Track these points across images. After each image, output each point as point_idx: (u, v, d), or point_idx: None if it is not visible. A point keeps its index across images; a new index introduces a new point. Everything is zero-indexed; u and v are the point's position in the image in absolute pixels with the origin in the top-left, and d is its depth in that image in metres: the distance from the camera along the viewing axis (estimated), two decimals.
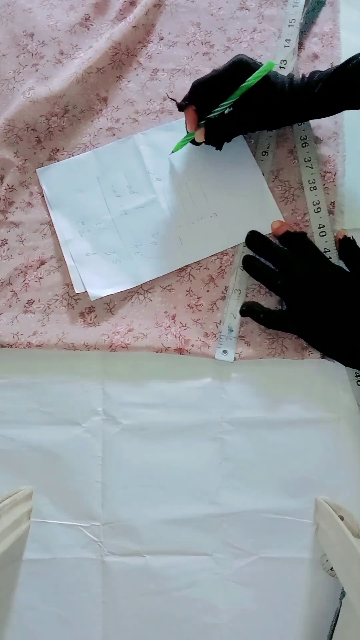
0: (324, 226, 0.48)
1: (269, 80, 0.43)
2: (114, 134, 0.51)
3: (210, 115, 0.44)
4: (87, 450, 0.46)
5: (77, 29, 0.55)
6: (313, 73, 0.44)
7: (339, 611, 0.41)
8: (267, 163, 0.50)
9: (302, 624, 0.43)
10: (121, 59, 0.53)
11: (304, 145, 0.49)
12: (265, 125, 0.47)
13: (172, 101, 0.49)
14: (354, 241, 0.46)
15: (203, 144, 0.48)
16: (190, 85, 0.45)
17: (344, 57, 0.52)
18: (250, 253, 0.48)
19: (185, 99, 0.45)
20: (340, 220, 0.48)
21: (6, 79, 0.54)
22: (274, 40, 0.53)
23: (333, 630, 0.41)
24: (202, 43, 0.54)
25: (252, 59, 0.44)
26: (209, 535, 0.45)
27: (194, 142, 0.48)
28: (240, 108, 0.44)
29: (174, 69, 0.53)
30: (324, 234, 0.48)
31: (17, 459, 0.46)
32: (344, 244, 0.46)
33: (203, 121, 0.45)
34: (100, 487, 0.45)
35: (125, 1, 0.55)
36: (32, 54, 0.54)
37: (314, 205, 0.48)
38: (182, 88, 0.52)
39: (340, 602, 0.42)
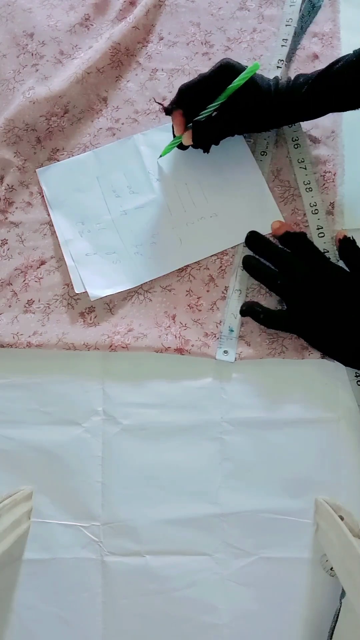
0: (322, 227, 0.48)
1: (255, 82, 0.43)
2: (114, 134, 0.51)
3: (197, 118, 0.45)
4: (87, 450, 0.46)
5: (77, 28, 0.55)
6: (298, 76, 0.44)
7: (339, 611, 0.41)
8: (266, 163, 0.50)
9: (302, 624, 0.43)
10: (121, 58, 0.53)
11: (295, 146, 0.49)
12: (251, 127, 0.47)
13: (159, 105, 0.49)
14: (353, 241, 0.46)
15: (190, 147, 0.48)
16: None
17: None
18: (250, 253, 0.48)
19: (172, 103, 0.46)
20: (340, 221, 0.48)
21: (6, 78, 0.54)
22: (274, 40, 0.53)
23: (333, 630, 0.41)
24: (202, 43, 0.54)
25: (237, 62, 0.44)
26: (209, 535, 0.45)
27: (181, 146, 0.48)
28: (226, 110, 0.44)
29: (173, 69, 0.53)
30: (322, 234, 0.48)
31: (17, 459, 0.46)
32: (344, 244, 0.46)
33: (190, 124, 0.45)
34: (100, 487, 0.45)
35: (125, 1, 0.55)
36: (32, 54, 0.54)
37: (311, 206, 0.48)
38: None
39: (340, 602, 0.42)
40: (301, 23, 0.53)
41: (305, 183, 0.49)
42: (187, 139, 0.46)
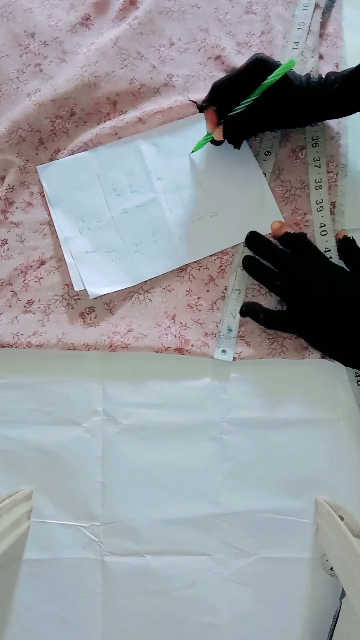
0: (325, 225, 0.48)
1: (287, 79, 0.43)
2: (116, 133, 0.51)
3: (231, 114, 0.44)
4: (87, 450, 0.46)
5: (77, 28, 0.55)
6: (330, 73, 0.44)
7: (339, 611, 0.41)
8: (269, 163, 0.50)
9: (302, 624, 0.43)
10: (134, 62, 0.53)
11: (314, 145, 0.49)
12: (282, 124, 0.47)
13: (193, 103, 0.49)
14: (354, 241, 0.46)
15: (223, 143, 0.48)
16: (211, 87, 0.45)
17: (348, 57, 0.52)
18: (250, 253, 0.48)
19: (205, 100, 0.46)
20: (341, 220, 0.48)
21: (10, 79, 0.53)
22: (280, 38, 0.53)
23: (333, 630, 0.41)
24: (213, 47, 0.54)
25: (270, 57, 0.44)
26: (209, 535, 0.45)
27: (214, 141, 0.48)
28: (258, 106, 0.44)
29: (189, 75, 0.53)
30: (325, 233, 0.48)
31: (17, 459, 0.46)
32: (344, 244, 0.46)
33: (222, 120, 0.45)
34: (100, 487, 0.45)
35: (125, 1, 0.55)
36: (35, 54, 0.54)
37: (317, 204, 0.48)
38: (197, 93, 0.52)
39: (340, 602, 0.42)
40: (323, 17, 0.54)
41: (317, 181, 0.49)
42: (219, 134, 0.46)
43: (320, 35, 0.53)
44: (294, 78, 0.44)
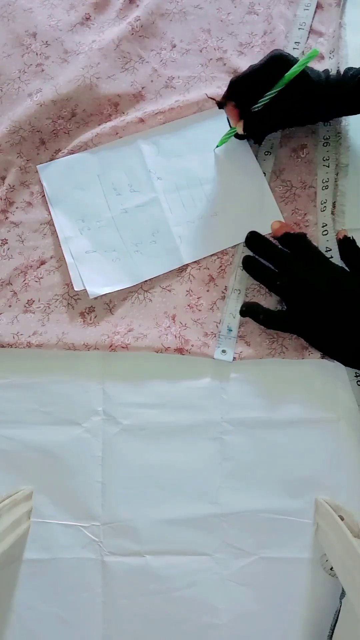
0: (326, 225, 0.48)
1: (306, 74, 0.43)
2: (116, 133, 0.51)
3: (254, 107, 0.44)
4: (87, 450, 0.46)
5: (78, 28, 0.55)
6: (348, 69, 0.45)
7: (339, 611, 0.41)
8: (269, 163, 0.50)
9: (302, 624, 0.43)
10: (134, 66, 0.53)
11: (324, 144, 0.49)
12: (301, 119, 0.47)
13: (212, 100, 0.49)
14: (354, 241, 0.46)
15: (246, 138, 0.49)
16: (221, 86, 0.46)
17: (349, 57, 0.52)
18: (250, 253, 0.48)
19: (224, 96, 0.46)
20: (341, 220, 0.48)
21: (11, 79, 0.53)
22: (282, 38, 0.53)
23: (333, 630, 0.41)
24: (214, 49, 0.54)
25: (288, 53, 0.44)
26: (209, 535, 0.45)
27: (238, 135, 0.48)
28: (278, 102, 0.44)
29: (190, 77, 0.53)
30: (326, 232, 0.48)
31: (17, 459, 0.46)
32: (344, 244, 0.46)
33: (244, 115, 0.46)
34: (100, 487, 0.45)
35: (125, 0, 0.55)
36: (37, 54, 0.54)
37: (322, 204, 0.48)
38: (198, 96, 0.51)
39: (340, 602, 0.42)
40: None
41: (324, 181, 0.49)
42: (240, 129, 0.46)
43: (321, 35, 0.53)
44: (312, 73, 0.44)
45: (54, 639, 0.44)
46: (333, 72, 0.45)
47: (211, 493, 0.45)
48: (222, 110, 0.47)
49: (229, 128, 0.49)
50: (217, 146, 0.50)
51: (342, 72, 0.45)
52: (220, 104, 0.46)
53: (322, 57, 0.52)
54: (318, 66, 0.49)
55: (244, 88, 0.44)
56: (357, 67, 0.44)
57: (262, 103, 0.44)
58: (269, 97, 0.44)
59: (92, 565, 0.45)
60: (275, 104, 0.44)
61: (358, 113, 0.47)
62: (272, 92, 0.43)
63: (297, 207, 0.49)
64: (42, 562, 0.45)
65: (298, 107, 0.45)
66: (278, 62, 0.43)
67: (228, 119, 0.48)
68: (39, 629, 0.44)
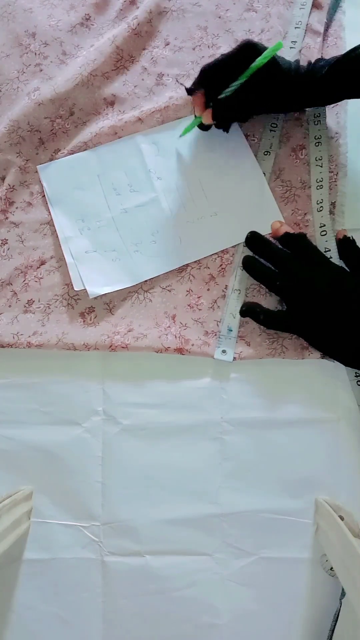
0: (324, 225, 0.48)
1: (276, 62, 0.44)
2: (115, 133, 0.51)
3: (219, 97, 0.45)
4: (87, 450, 0.46)
5: (78, 29, 0.55)
6: (319, 59, 0.45)
7: (339, 611, 0.41)
8: (268, 162, 0.50)
9: (302, 624, 0.43)
10: (125, 65, 0.53)
11: (317, 144, 0.49)
12: (270, 107, 0.48)
13: (182, 86, 0.49)
14: (353, 241, 0.46)
15: (211, 129, 0.48)
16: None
17: None
18: (250, 253, 0.48)
19: (194, 83, 0.46)
20: (341, 220, 0.48)
21: (10, 79, 0.53)
22: (279, 38, 0.53)
23: (333, 630, 0.41)
24: (208, 46, 0.54)
25: (259, 42, 0.44)
26: (209, 535, 0.45)
27: (202, 127, 0.48)
28: (246, 89, 0.44)
29: (179, 74, 0.53)
30: (324, 233, 0.48)
31: (17, 459, 0.46)
32: (344, 244, 0.46)
33: (211, 104, 0.46)
34: (100, 487, 0.45)
35: (125, 1, 0.55)
36: (36, 54, 0.54)
37: (318, 204, 0.48)
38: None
39: (340, 602, 0.42)
40: (328, 16, 0.54)
41: (318, 181, 0.49)
42: (207, 118, 0.46)
43: (319, 35, 0.53)
44: (282, 62, 0.44)
45: (54, 639, 0.44)
46: (303, 64, 0.45)
47: (211, 493, 0.45)
48: None
49: (194, 117, 0.48)
50: (181, 135, 0.50)
51: (312, 62, 0.45)
52: (190, 91, 0.46)
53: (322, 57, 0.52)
54: None
55: (213, 75, 0.44)
56: (327, 58, 0.44)
57: (227, 93, 0.44)
58: (234, 87, 0.44)
59: (92, 565, 0.45)
60: (243, 92, 0.44)
61: (328, 104, 0.47)
62: (237, 82, 0.44)
63: (297, 207, 0.49)
64: (42, 562, 0.45)
65: (266, 95, 0.45)
66: (248, 50, 0.43)
67: (193, 108, 0.47)
68: (39, 629, 0.44)
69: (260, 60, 0.43)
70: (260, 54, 0.43)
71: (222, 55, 0.44)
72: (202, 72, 0.45)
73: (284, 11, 0.54)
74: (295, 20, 0.53)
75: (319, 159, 0.49)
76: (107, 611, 0.44)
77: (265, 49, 0.43)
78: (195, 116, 0.47)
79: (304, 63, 0.46)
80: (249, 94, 0.44)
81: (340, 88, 0.44)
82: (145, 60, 0.54)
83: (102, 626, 0.44)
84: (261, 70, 0.43)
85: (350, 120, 0.50)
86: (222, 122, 0.47)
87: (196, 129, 0.50)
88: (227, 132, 0.49)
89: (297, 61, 0.45)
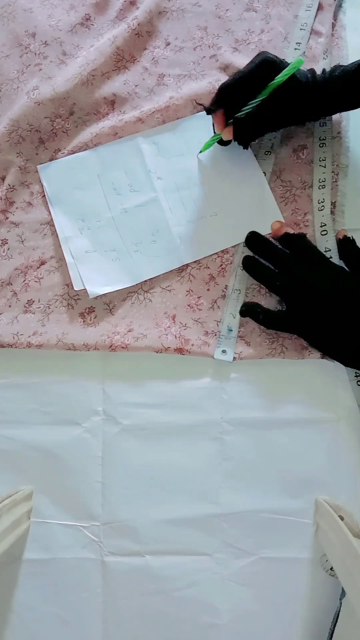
0: (325, 225, 0.48)
1: (294, 77, 0.43)
2: (116, 133, 0.51)
3: (238, 115, 0.44)
4: (87, 450, 0.46)
5: (77, 29, 0.55)
6: (336, 67, 0.44)
7: (339, 611, 0.41)
8: (269, 163, 0.50)
9: (302, 624, 0.43)
10: (126, 65, 0.53)
11: (321, 145, 0.50)
12: (290, 122, 0.47)
13: (200, 106, 0.49)
14: (353, 241, 0.46)
15: (230, 144, 0.48)
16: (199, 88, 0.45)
17: (350, 57, 0.52)
18: (251, 253, 0.48)
19: (212, 102, 0.45)
20: (341, 220, 0.48)
21: (10, 79, 0.53)
22: (280, 39, 0.53)
23: (333, 630, 0.41)
24: (209, 46, 0.54)
25: (277, 57, 0.44)
26: (209, 535, 0.45)
27: (221, 142, 0.48)
28: (267, 106, 0.44)
29: (180, 75, 0.53)
30: (325, 232, 0.48)
31: (17, 459, 0.46)
32: (344, 244, 0.46)
33: (231, 120, 0.45)
34: (100, 487, 0.45)
35: (125, 1, 0.55)
36: (36, 54, 0.54)
37: (319, 203, 0.48)
38: (190, 92, 0.52)
39: (340, 602, 0.42)
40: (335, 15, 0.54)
41: (320, 181, 0.49)
42: (227, 134, 0.46)
43: (321, 36, 0.53)
44: (300, 75, 0.44)
45: (54, 639, 0.44)
46: (319, 73, 0.45)
47: (211, 493, 0.45)
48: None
49: (213, 133, 0.48)
50: (201, 151, 0.50)
51: (328, 71, 0.45)
52: (209, 111, 0.46)
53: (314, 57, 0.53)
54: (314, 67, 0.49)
55: (232, 94, 0.44)
56: (344, 65, 0.44)
57: (246, 111, 0.44)
58: (253, 104, 0.44)
59: (92, 565, 0.45)
60: (264, 109, 0.44)
61: (347, 110, 0.47)
62: (257, 100, 0.43)
63: (297, 207, 0.49)
64: (42, 562, 0.45)
65: (287, 111, 0.45)
66: (266, 66, 0.43)
67: (213, 125, 0.47)
68: (39, 629, 0.44)
69: (280, 78, 0.42)
70: (278, 69, 0.43)
71: (239, 71, 0.44)
72: (220, 91, 0.44)
73: (284, 12, 0.54)
74: (301, 22, 0.53)
75: (323, 160, 0.49)
76: (107, 611, 0.44)
77: (283, 63, 0.43)
78: (214, 132, 0.47)
79: (311, 62, 0.45)
80: (269, 111, 0.44)
81: (357, 96, 0.44)
82: (147, 60, 0.54)
83: (102, 626, 0.44)
84: (280, 86, 0.43)
85: (351, 121, 0.50)
86: (243, 139, 0.47)
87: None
88: (247, 149, 0.49)
89: (313, 70, 0.45)
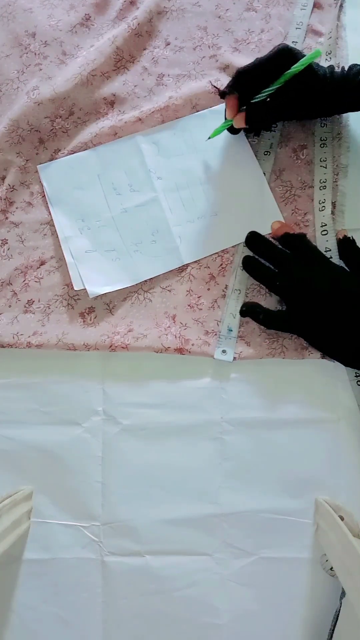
0: (325, 225, 0.48)
1: (312, 69, 0.43)
2: (115, 133, 0.51)
3: (253, 100, 0.45)
4: (87, 450, 0.46)
5: (78, 29, 0.55)
6: (353, 65, 0.45)
7: (339, 611, 0.41)
8: (268, 163, 0.50)
9: (302, 624, 0.43)
10: (125, 65, 0.53)
11: (322, 145, 0.50)
12: (303, 114, 0.48)
13: (215, 88, 0.49)
14: (353, 241, 0.46)
15: (239, 132, 0.49)
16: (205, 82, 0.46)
17: (350, 57, 0.52)
18: (250, 253, 0.48)
19: (228, 86, 0.45)
20: (341, 220, 0.48)
21: (10, 79, 0.53)
22: (280, 39, 0.53)
23: (333, 630, 0.41)
24: (209, 46, 0.54)
25: (295, 47, 0.44)
26: (209, 535, 0.45)
27: (231, 130, 0.48)
28: (281, 95, 0.44)
29: (180, 75, 0.53)
30: (325, 232, 0.48)
31: (17, 459, 0.46)
32: (344, 244, 0.46)
33: (243, 107, 0.46)
34: (100, 487, 0.45)
35: (125, 1, 0.55)
36: (35, 54, 0.54)
37: (320, 203, 0.48)
38: (189, 92, 0.52)
39: (340, 602, 0.42)
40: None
41: (322, 181, 0.49)
42: (238, 122, 0.46)
43: (321, 36, 0.53)
44: (318, 69, 0.44)
45: (54, 639, 0.44)
46: (337, 70, 0.45)
47: (211, 493, 0.45)
48: (221, 110, 0.47)
49: (224, 120, 0.48)
50: (210, 137, 0.49)
51: (346, 68, 0.45)
52: (223, 94, 0.46)
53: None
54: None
55: (249, 79, 0.44)
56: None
57: (261, 98, 0.44)
58: (267, 92, 0.44)
59: (92, 565, 0.45)
60: (279, 97, 0.44)
61: (358, 110, 0.47)
62: (271, 88, 0.44)
63: (297, 207, 0.49)
64: (42, 562, 0.45)
65: (300, 102, 0.45)
66: (284, 55, 0.43)
67: (225, 113, 0.47)
68: (39, 629, 0.44)
69: (296, 67, 0.43)
70: (296, 59, 0.43)
71: (257, 59, 0.44)
72: (238, 74, 0.45)
73: (284, 12, 0.54)
74: (296, 21, 0.53)
75: (324, 160, 0.49)
76: (107, 611, 0.44)
77: (301, 54, 0.43)
78: (225, 118, 0.47)
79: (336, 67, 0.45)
80: (282, 100, 0.44)
81: None
82: (146, 60, 0.54)
83: (102, 626, 0.44)
84: (298, 76, 0.43)
85: (351, 121, 0.50)
86: (254, 126, 0.47)
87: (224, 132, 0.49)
88: (258, 137, 0.49)
89: (332, 66, 0.45)
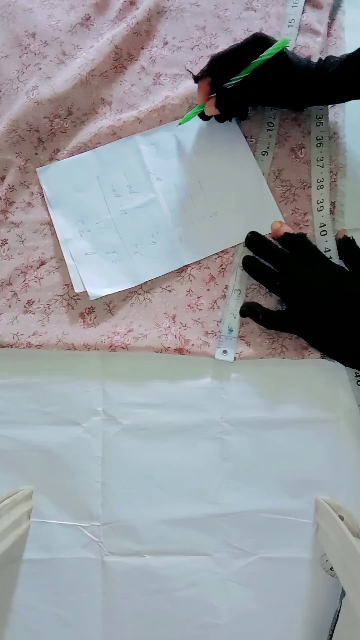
0: (324, 225, 0.48)
1: (286, 57, 0.44)
2: (114, 133, 0.51)
3: (225, 84, 0.45)
4: (87, 450, 0.46)
5: (77, 29, 0.55)
6: (329, 57, 0.45)
7: (339, 611, 0.41)
8: (266, 162, 0.50)
9: (302, 624, 0.43)
10: (123, 63, 0.53)
11: (318, 145, 0.50)
12: (273, 100, 0.48)
13: (189, 72, 0.49)
14: (353, 241, 0.46)
15: (209, 119, 0.49)
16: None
17: None
18: (251, 253, 0.48)
19: (202, 70, 0.46)
20: (341, 220, 0.48)
21: (10, 79, 0.53)
22: (278, 37, 0.53)
23: (333, 630, 0.41)
24: (206, 46, 0.54)
25: (270, 36, 0.44)
26: (209, 535, 0.45)
27: (202, 116, 0.48)
28: (253, 81, 0.44)
29: (177, 74, 0.53)
30: (324, 232, 0.48)
31: (17, 459, 0.46)
32: (344, 244, 0.46)
33: (214, 94, 0.46)
34: (100, 487, 0.45)
35: (125, 1, 0.55)
36: (35, 54, 0.54)
37: (318, 203, 0.48)
38: (185, 92, 0.52)
39: (340, 602, 0.42)
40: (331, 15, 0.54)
41: (319, 181, 0.49)
42: (208, 108, 0.46)
43: (319, 35, 0.53)
44: (293, 58, 0.44)
45: (53, 639, 0.44)
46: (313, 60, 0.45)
47: (211, 493, 0.45)
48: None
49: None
50: (181, 122, 0.49)
51: (323, 59, 0.45)
52: (197, 78, 0.46)
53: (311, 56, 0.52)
54: None
55: (222, 65, 0.45)
56: (338, 56, 0.44)
57: (230, 85, 0.44)
58: (235, 80, 0.44)
59: (92, 565, 0.45)
60: (251, 82, 0.44)
61: (336, 102, 0.47)
62: (239, 76, 0.44)
63: (297, 207, 0.49)
64: (42, 562, 0.45)
65: (273, 89, 0.45)
66: (258, 43, 0.43)
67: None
68: (39, 629, 0.44)
69: (263, 57, 0.43)
70: (269, 47, 0.43)
71: (231, 46, 0.45)
72: (211, 61, 0.45)
73: (283, 11, 0.54)
74: (289, 19, 0.53)
75: (320, 160, 0.49)
76: (107, 611, 0.44)
77: (275, 42, 0.43)
78: (197, 104, 0.47)
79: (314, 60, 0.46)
80: (253, 86, 0.44)
81: (349, 86, 0.44)
82: (144, 59, 0.54)
83: (102, 626, 0.44)
84: (269, 63, 0.43)
85: (348, 120, 0.50)
86: (225, 113, 0.47)
87: (195, 119, 0.49)
88: (230, 120, 0.49)
89: (309, 57, 0.45)
